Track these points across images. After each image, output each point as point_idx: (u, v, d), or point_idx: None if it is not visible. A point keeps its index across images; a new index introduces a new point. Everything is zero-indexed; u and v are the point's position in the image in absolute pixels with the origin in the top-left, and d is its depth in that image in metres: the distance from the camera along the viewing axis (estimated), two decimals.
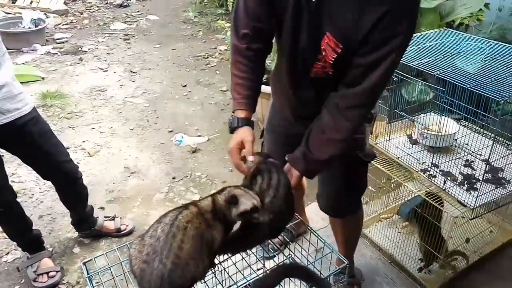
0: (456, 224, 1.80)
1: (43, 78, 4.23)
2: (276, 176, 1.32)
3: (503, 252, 2.20)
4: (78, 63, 4.70)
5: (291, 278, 1.42)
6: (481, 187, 1.74)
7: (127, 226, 2.44)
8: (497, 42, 2.03)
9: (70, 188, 2.22)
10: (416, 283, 2.04)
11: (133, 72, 4.51)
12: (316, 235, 1.44)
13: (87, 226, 2.37)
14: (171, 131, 3.48)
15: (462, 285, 2.03)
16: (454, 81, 1.63)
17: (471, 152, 1.98)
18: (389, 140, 2.09)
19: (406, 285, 2.05)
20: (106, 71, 4.55)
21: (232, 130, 1.40)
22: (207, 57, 4.90)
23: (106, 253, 1.41)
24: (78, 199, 2.29)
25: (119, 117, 3.71)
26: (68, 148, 3.14)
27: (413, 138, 2.12)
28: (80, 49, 5.06)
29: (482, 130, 2.10)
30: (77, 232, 2.43)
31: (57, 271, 2.14)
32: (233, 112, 1.43)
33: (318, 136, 1.39)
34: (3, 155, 1.98)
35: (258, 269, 1.93)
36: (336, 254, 1.36)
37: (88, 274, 1.33)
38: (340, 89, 1.35)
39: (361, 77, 1.28)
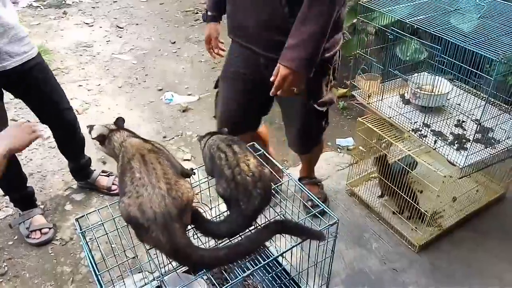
0: (444, 183, 1.83)
1: None
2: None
3: (487, 210, 2.27)
4: (62, 17, 4.52)
5: (282, 234, 1.45)
6: (471, 147, 1.76)
7: None
8: None
9: (69, 136, 2.22)
10: (403, 240, 2.10)
11: (120, 28, 4.36)
12: (308, 193, 1.46)
13: (81, 176, 2.39)
14: (161, 90, 3.42)
15: (448, 241, 2.10)
16: (448, 38, 1.60)
17: (463, 112, 1.99)
18: (381, 100, 2.08)
19: (393, 241, 2.11)
20: (92, 26, 4.40)
21: (204, 20, 1.95)
22: (197, 13, 4.74)
23: (98, 209, 1.41)
24: (76, 148, 2.30)
25: (106, 74, 3.62)
26: None
27: (405, 98, 2.11)
28: (63, 2, 4.85)
29: (474, 90, 2.10)
30: (68, 190, 2.43)
31: (49, 228, 2.16)
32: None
33: (299, 22, 1.53)
34: None
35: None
36: (327, 211, 1.38)
37: (81, 230, 1.33)
38: None
39: None
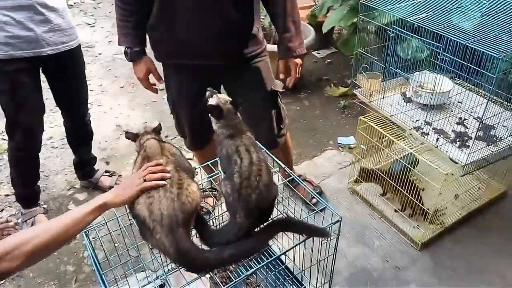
0: (446, 181, 1.84)
1: None
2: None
3: (489, 207, 2.27)
4: None
5: (285, 232, 1.45)
6: (473, 144, 1.76)
7: None
8: None
9: (80, 128, 2.30)
10: (405, 237, 2.10)
11: None
12: (311, 191, 1.46)
13: (84, 174, 2.41)
14: (162, 89, 3.40)
15: (450, 239, 2.10)
16: (450, 36, 1.60)
17: (464, 110, 1.99)
18: (383, 98, 2.08)
19: (395, 239, 2.11)
20: (94, 26, 4.40)
21: (132, 60, 1.79)
22: None
23: None
24: (83, 142, 2.36)
25: (108, 74, 3.63)
26: None
27: (407, 96, 2.11)
28: None
29: (475, 88, 2.10)
30: (71, 190, 2.44)
31: None
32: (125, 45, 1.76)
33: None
34: None
35: None
36: (330, 209, 1.38)
37: (84, 229, 1.34)
38: None
39: None
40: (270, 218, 1.34)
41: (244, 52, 1.77)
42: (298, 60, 1.81)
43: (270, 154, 1.54)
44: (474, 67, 1.64)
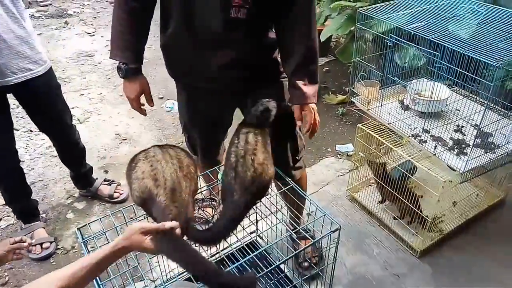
0: (444, 188, 1.84)
1: None
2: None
3: (488, 214, 2.27)
4: (64, 27, 4.56)
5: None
6: (471, 152, 1.76)
7: (121, 193, 2.43)
8: (493, 5, 2.00)
9: (69, 149, 2.25)
10: (404, 245, 2.10)
11: None
12: (309, 199, 1.47)
13: (83, 185, 2.41)
14: (162, 98, 3.44)
15: (449, 246, 2.10)
16: (446, 44, 1.62)
17: (462, 117, 2.00)
18: (381, 106, 2.09)
19: (394, 246, 2.11)
20: (93, 35, 4.43)
21: (125, 77, 1.57)
22: None
23: (100, 218, 1.42)
24: (76, 159, 2.33)
25: (108, 83, 3.64)
26: None
27: (405, 103, 2.12)
28: (65, 12, 4.90)
29: (472, 95, 2.11)
30: (69, 199, 2.44)
31: (51, 242, 2.14)
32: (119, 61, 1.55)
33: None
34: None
35: (251, 232, 1.97)
36: (329, 218, 1.38)
37: (83, 239, 1.34)
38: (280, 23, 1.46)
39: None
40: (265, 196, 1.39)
41: (265, 75, 1.61)
42: (313, 106, 1.56)
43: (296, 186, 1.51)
44: (471, 75, 1.66)
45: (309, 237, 1.43)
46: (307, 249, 1.43)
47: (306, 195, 1.48)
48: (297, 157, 1.77)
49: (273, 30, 1.53)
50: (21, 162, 2.68)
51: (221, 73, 1.50)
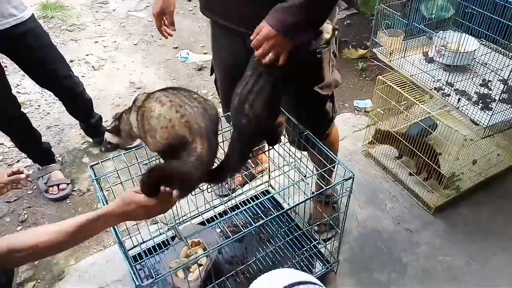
0: (464, 146, 1.78)
1: None
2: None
3: (508, 174, 2.21)
4: None
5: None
6: (496, 106, 1.69)
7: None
8: None
9: (72, 101, 2.21)
10: (418, 201, 2.07)
11: None
12: (324, 149, 1.43)
13: (95, 134, 2.41)
14: (176, 48, 3.36)
15: (465, 204, 2.07)
16: None
17: (489, 71, 1.90)
18: (404, 57, 2.00)
19: (408, 202, 2.09)
20: None
21: None
22: None
23: (113, 157, 1.42)
24: (82, 111, 2.29)
25: (122, 31, 3.57)
26: (71, 61, 3.08)
27: (429, 56, 2.02)
28: None
29: (502, 50, 2.00)
30: (85, 144, 2.45)
31: (67, 184, 2.17)
32: None
33: None
34: (6, 66, 1.92)
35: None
36: (342, 166, 1.35)
37: (95, 176, 1.34)
38: None
39: None
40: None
41: None
42: (266, 29, 1.18)
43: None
44: (504, 21, 1.55)
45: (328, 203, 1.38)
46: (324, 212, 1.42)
47: (322, 146, 1.44)
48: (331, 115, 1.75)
49: None
50: (37, 107, 2.73)
51: (237, 7, 1.35)
